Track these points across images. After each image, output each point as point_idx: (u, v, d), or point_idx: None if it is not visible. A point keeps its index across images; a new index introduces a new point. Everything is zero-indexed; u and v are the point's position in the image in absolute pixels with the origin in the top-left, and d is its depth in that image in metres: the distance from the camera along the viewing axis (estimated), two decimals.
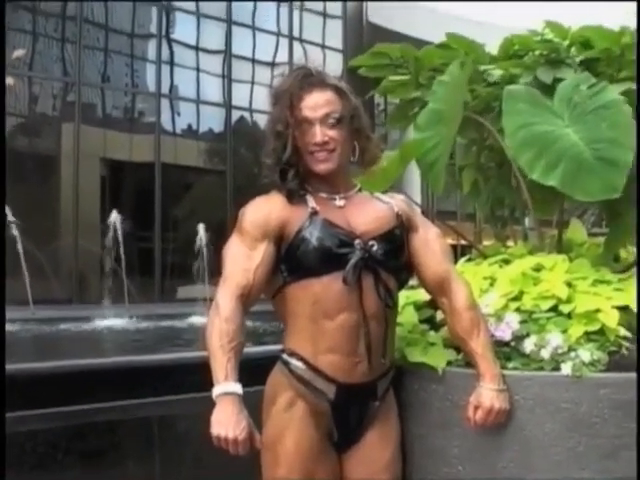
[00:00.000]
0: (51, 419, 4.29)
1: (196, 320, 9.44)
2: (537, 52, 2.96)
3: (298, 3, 20.03)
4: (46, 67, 16.35)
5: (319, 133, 2.15)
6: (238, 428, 1.92)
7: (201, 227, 11.62)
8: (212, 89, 19.06)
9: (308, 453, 2.12)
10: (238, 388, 1.97)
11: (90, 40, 16.80)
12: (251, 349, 5.71)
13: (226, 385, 1.96)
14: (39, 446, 4.12)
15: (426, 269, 2.28)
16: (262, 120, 19.96)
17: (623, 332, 2.29)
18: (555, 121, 2.59)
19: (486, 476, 2.17)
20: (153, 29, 18.21)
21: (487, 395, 2.12)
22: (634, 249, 3.05)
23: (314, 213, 2.14)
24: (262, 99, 19.63)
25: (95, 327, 8.64)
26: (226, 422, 1.92)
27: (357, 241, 2.13)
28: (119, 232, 11.13)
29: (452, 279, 2.28)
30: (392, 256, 2.19)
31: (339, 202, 2.22)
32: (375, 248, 2.14)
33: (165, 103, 17.93)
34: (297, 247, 2.11)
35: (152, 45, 18.24)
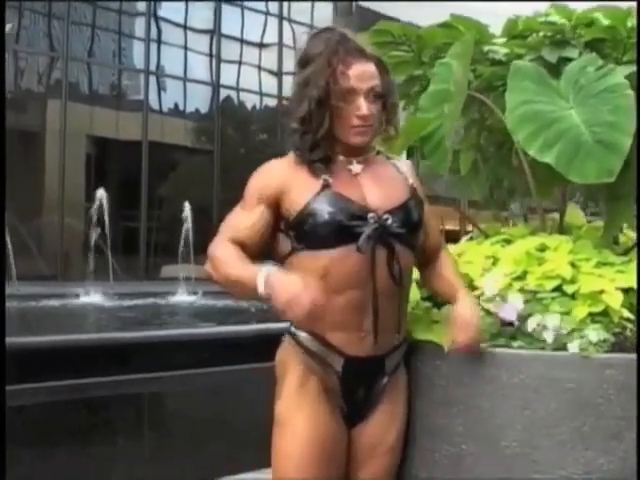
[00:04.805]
0: (35, 394, 4.29)
1: (182, 298, 9.46)
2: (541, 33, 2.94)
3: None
4: (32, 42, 16.20)
5: (366, 106, 2.09)
6: (296, 285, 1.91)
7: (187, 205, 11.60)
8: (199, 68, 18.98)
9: (322, 428, 2.10)
10: (272, 266, 2.02)
11: (77, 16, 16.65)
12: (242, 328, 5.72)
13: (261, 271, 1.97)
14: (28, 421, 4.12)
15: (426, 239, 2.29)
16: (249, 100, 20.01)
17: (626, 314, 2.29)
18: (559, 101, 2.57)
19: (489, 455, 2.17)
20: (141, 6, 18.06)
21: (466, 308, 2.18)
22: (632, 233, 3.06)
23: (326, 185, 2.10)
24: (250, 79, 19.64)
25: (80, 304, 8.62)
26: (285, 286, 1.92)
27: (371, 214, 2.09)
28: (105, 210, 11.09)
29: (442, 249, 2.37)
30: (408, 229, 2.16)
31: (355, 168, 2.18)
32: (390, 221, 2.10)
33: (152, 81, 17.83)
34: (306, 218, 2.07)
35: (139, 22, 18.12)
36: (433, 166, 2.85)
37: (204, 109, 19.07)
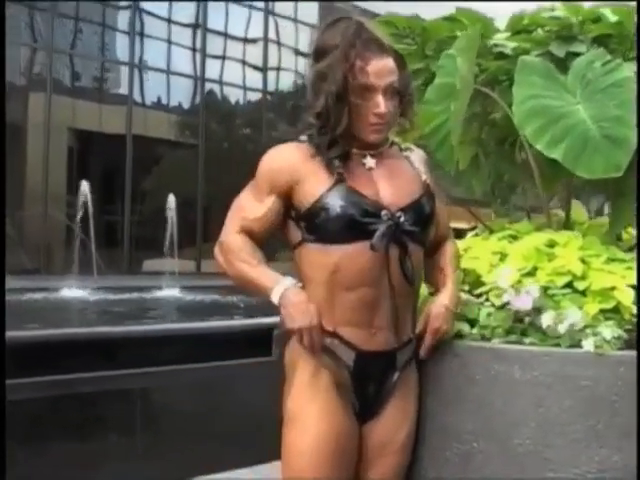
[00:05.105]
0: (21, 390, 4.23)
1: (168, 293, 9.41)
2: (547, 28, 2.92)
3: None
4: (14, 34, 16.05)
5: (384, 104, 2.05)
6: (311, 315, 1.98)
7: (172, 198, 11.53)
8: (182, 62, 18.89)
9: (335, 424, 2.06)
10: (291, 279, 2.02)
11: (61, 9, 16.52)
12: (229, 323, 5.68)
13: (280, 283, 2.01)
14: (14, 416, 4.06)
15: (436, 232, 2.27)
16: (233, 94, 19.96)
17: (636, 310, 2.27)
18: (566, 97, 2.55)
19: (501, 453, 2.14)
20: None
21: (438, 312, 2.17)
22: (634, 230, 3.05)
23: (340, 180, 2.05)
24: (233, 73, 19.59)
25: (65, 297, 8.55)
26: (300, 312, 1.98)
27: (384, 212, 2.05)
28: (89, 203, 11.00)
29: (447, 240, 2.35)
30: (421, 227, 2.14)
31: (369, 162, 2.13)
32: (403, 219, 2.07)
33: (135, 75, 17.73)
34: (319, 212, 2.03)
35: (122, 15, 18.01)
36: (439, 162, 2.82)
37: (187, 103, 18.99)
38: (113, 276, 11.99)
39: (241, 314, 6.18)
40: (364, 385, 2.11)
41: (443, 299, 2.21)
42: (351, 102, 2.03)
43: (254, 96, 20.32)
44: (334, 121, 2.04)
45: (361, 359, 2.08)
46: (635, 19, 2.70)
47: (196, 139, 17.95)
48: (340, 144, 2.07)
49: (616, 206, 2.85)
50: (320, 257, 2.05)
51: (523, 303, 2.20)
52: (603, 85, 2.51)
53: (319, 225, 2.04)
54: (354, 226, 2.03)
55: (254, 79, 20.00)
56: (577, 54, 2.77)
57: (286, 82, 21.05)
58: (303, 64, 20.93)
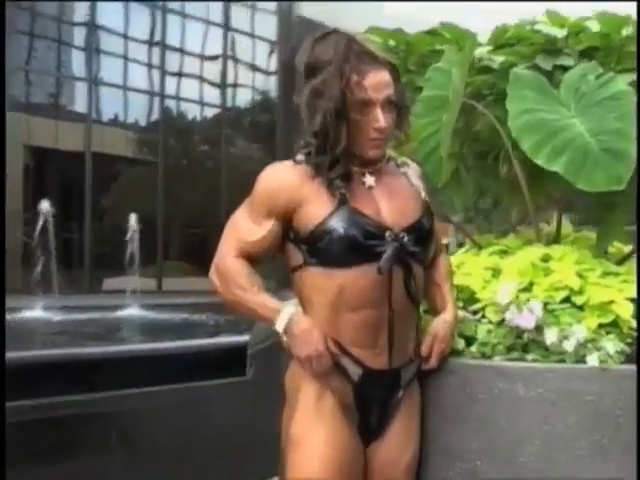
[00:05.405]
0: None
1: (133, 312, 9.27)
2: (531, 41, 2.92)
3: None
4: None
5: (383, 118, 2.00)
6: (318, 342, 1.96)
7: (133, 217, 11.38)
8: (139, 78, 18.75)
9: (341, 447, 2.02)
10: (293, 307, 2.00)
11: (15, 24, 16.31)
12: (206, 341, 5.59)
13: (283, 312, 1.99)
14: None
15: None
16: (190, 110, 19.87)
17: (634, 324, 2.27)
18: (561, 110, 2.55)
19: (505, 471, 2.12)
20: (79, 15, 17.80)
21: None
22: (620, 244, 3.05)
23: (343, 201, 2.00)
24: (190, 89, 19.49)
25: (27, 318, 8.39)
26: (307, 341, 1.96)
27: (388, 233, 2.01)
28: (49, 221, 10.82)
29: (440, 254, 2.32)
30: (422, 246, 2.11)
31: (369, 180, 2.08)
32: (406, 239, 2.04)
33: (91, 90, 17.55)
34: (323, 235, 1.98)
35: (78, 31, 17.85)
36: (427, 175, 2.80)
37: (144, 119, 18.86)
38: (75, 295, 11.82)
39: (212, 333, 6.10)
40: (369, 404, 2.07)
41: (447, 319, 2.19)
42: (350, 118, 1.99)
43: (211, 112, 20.22)
44: (334, 139, 1.99)
45: (367, 376, 2.04)
46: (627, 31, 2.70)
47: (154, 156, 17.80)
48: (341, 164, 2.02)
49: (605, 220, 2.85)
50: (323, 281, 2.01)
51: (526, 321, 2.18)
52: (598, 98, 2.51)
53: (323, 248, 1.99)
54: (359, 249, 1.99)
55: (212, 95, 19.89)
56: (564, 67, 2.78)
57: (243, 98, 20.98)
58: (261, 80, 20.91)
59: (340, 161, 2.02)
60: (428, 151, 2.79)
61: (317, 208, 2.00)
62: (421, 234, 2.11)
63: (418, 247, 2.08)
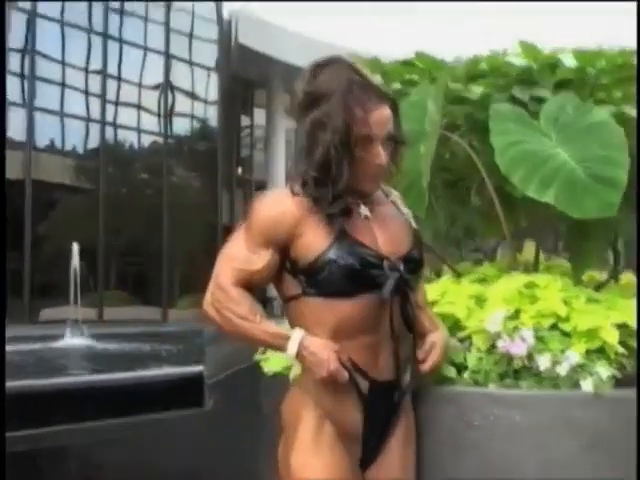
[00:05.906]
0: None
1: (76, 342, 9.09)
2: (505, 73, 2.97)
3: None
4: None
5: (383, 154, 2.00)
6: (331, 360, 1.95)
7: (75, 246, 11.22)
8: (75, 105, 18.57)
9: (340, 478, 2.00)
10: (300, 331, 1.99)
11: None
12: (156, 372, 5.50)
13: (292, 337, 1.98)
14: None
15: None
16: (130, 138, 19.72)
17: (621, 350, 2.31)
18: (543, 140, 2.60)
19: None
20: (15, 41, 17.58)
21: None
22: (593, 273, 3.11)
23: (343, 232, 1.99)
24: (129, 117, 19.35)
25: None
26: (323, 361, 1.95)
27: (385, 262, 2.01)
28: None
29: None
30: (416, 274, 2.12)
31: (364, 211, 2.08)
32: (402, 268, 2.04)
33: (24, 118, 17.30)
34: (323, 266, 1.96)
35: (13, 56, 17.63)
36: (410, 207, 2.82)
37: (81, 146, 18.67)
38: (15, 325, 11.56)
39: (166, 363, 6.02)
40: (374, 419, 2.06)
41: (444, 333, 2.22)
42: (353, 153, 1.98)
43: (149, 140, 20.10)
44: (336, 173, 1.97)
45: (375, 387, 2.03)
46: (601, 64, 2.77)
47: (92, 184, 17.61)
48: (343, 198, 2.01)
49: (580, 250, 2.90)
50: (322, 311, 2.00)
51: (518, 348, 2.21)
52: (579, 127, 2.57)
53: (322, 279, 1.98)
54: (360, 279, 1.99)
55: (151, 123, 19.79)
56: (539, 99, 2.83)
57: (182, 126, 20.91)
58: (200, 107, 20.87)
59: (342, 196, 2.00)
60: (407, 184, 2.80)
61: (317, 239, 1.99)
62: (415, 263, 2.12)
63: (412, 275, 2.10)
